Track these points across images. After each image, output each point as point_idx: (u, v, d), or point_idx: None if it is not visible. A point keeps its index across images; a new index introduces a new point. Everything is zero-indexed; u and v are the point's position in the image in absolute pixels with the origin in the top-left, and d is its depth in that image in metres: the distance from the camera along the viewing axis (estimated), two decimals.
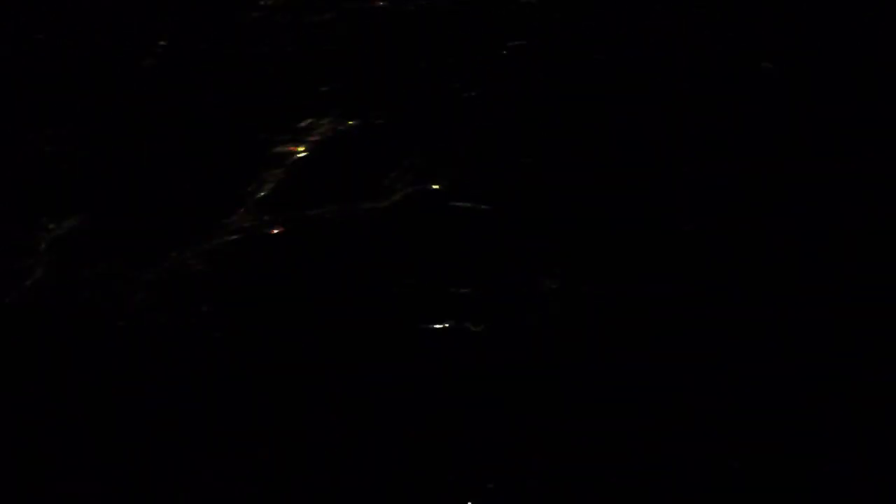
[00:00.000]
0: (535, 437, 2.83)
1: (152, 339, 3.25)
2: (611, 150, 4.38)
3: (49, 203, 4.08)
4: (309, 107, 4.84)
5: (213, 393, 3.03)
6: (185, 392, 3.03)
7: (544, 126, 4.60)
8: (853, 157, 4.25)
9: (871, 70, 5.00)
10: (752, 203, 3.95)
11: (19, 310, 3.46)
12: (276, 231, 3.82)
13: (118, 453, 2.82)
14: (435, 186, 4.11)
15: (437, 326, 3.26)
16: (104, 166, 4.37)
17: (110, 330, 3.33)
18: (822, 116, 4.59)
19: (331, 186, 4.15)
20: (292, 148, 4.45)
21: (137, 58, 5.41)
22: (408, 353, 3.15)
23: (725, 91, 4.88)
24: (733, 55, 5.23)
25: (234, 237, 3.79)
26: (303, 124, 4.66)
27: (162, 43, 5.57)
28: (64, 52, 5.54)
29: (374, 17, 6.00)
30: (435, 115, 4.75)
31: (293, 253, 3.73)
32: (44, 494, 2.71)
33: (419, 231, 3.83)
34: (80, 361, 3.19)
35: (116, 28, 5.80)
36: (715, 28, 5.56)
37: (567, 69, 5.19)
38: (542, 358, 3.12)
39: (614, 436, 2.83)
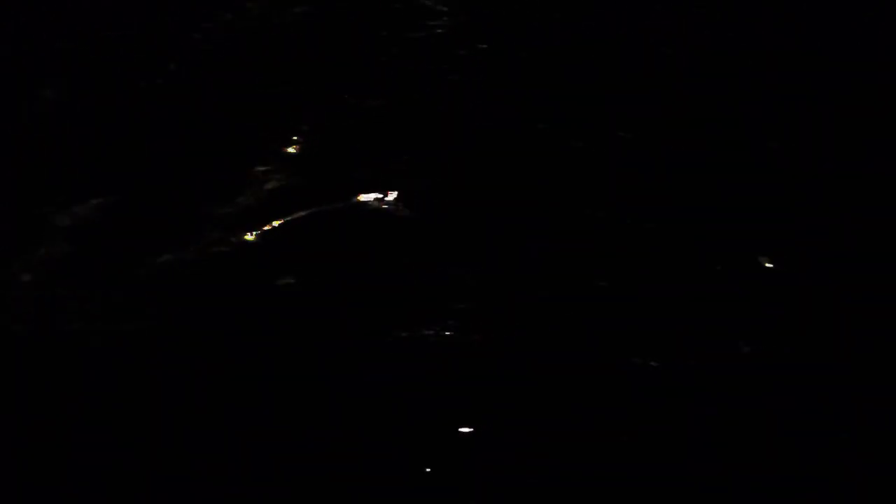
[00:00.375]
0: (526, 438, 2.83)
1: (143, 339, 3.24)
2: (609, 149, 4.38)
3: (47, 199, 4.08)
4: (297, 107, 4.83)
5: (205, 394, 3.03)
6: (179, 394, 3.03)
7: (541, 125, 4.60)
8: (853, 157, 4.25)
9: (872, 70, 5.00)
10: (751, 201, 3.95)
11: (12, 313, 3.47)
12: (261, 233, 3.81)
13: (113, 456, 2.82)
14: (424, 186, 4.11)
15: (429, 330, 3.26)
16: (91, 166, 4.37)
17: (104, 329, 3.33)
18: (823, 116, 4.59)
19: (318, 185, 4.15)
20: (277, 150, 4.44)
21: (128, 58, 5.42)
22: (397, 355, 3.15)
23: (725, 91, 4.89)
24: (733, 55, 5.23)
25: (218, 240, 3.78)
26: (291, 125, 4.65)
27: (155, 43, 5.58)
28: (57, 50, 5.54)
29: (372, 17, 6.00)
30: (429, 116, 4.75)
31: (282, 253, 3.72)
32: (43, 496, 2.71)
33: (405, 230, 3.82)
34: (76, 363, 3.19)
35: (113, 27, 5.80)
36: (715, 28, 5.57)
37: (566, 69, 5.19)
38: (534, 360, 3.12)
39: (609, 436, 2.83)
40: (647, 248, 3.69)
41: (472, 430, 2.86)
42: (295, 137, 4.58)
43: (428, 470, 2.74)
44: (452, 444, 2.84)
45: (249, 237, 3.83)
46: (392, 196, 4.06)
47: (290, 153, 4.47)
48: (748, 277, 3.52)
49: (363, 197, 4.06)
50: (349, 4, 6.17)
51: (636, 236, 3.76)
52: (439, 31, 5.75)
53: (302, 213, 3.96)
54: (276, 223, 3.90)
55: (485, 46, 5.51)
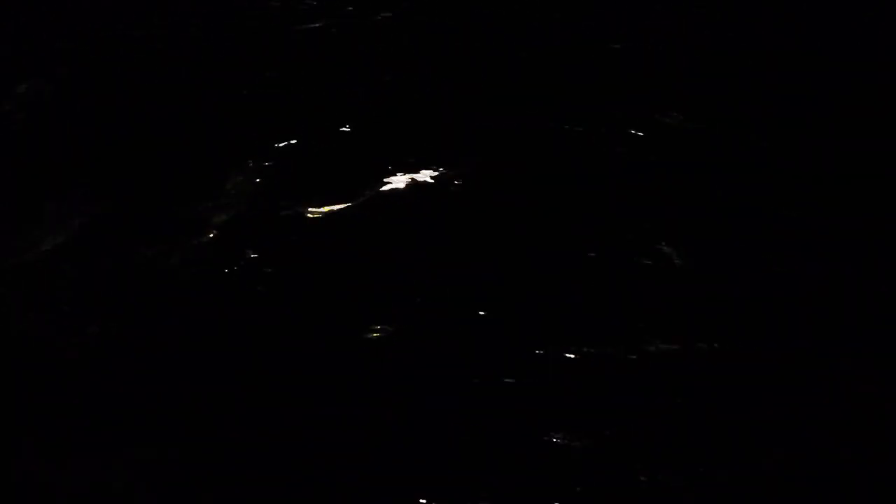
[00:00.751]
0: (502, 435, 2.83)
1: (136, 340, 3.24)
2: (608, 150, 4.37)
3: (43, 198, 4.09)
4: (292, 111, 4.83)
5: (193, 393, 3.02)
6: (169, 395, 3.02)
7: (539, 125, 4.60)
8: (852, 157, 4.24)
9: (872, 70, 4.99)
10: (750, 201, 3.95)
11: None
12: (245, 235, 3.80)
13: (108, 455, 2.82)
14: (422, 187, 4.10)
15: (426, 329, 3.26)
16: (86, 167, 4.37)
17: (97, 330, 3.33)
18: (822, 116, 4.59)
19: (311, 189, 4.15)
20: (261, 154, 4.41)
21: (128, 58, 5.41)
22: (386, 356, 3.14)
23: (725, 91, 4.88)
24: (733, 55, 5.22)
25: (204, 240, 3.76)
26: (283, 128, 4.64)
27: (158, 43, 5.58)
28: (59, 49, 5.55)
29: (376, 22, 6.00)
30: (427, 117, 4.74)
31: (266, 255, 3.71)
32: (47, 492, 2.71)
33: (396, 233, 3.82)
34: (66, 362, 3.19)
35: (113, 26, 5.81)
36: (715, 28, 5.56)
37: (567, 69, 5.18)
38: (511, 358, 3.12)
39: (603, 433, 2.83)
40: (644, 247, 3.68)
41: (469, 430, 2.87)
42: (288, 139, 4.57)
43: (425, 469, 2.74)
44: (451, 444, 2.84)
45: (234, 239, 3.82)
46: (386, 198, 4.06)
47: (282, 156, 4.45)
48: (747, 278, 3.52)
49: (355, 198, 4.06)
50: (347, 8, 6.17)
51: (632, 236, 3.76)
52: (439, 31, 5.74)
53: (288, 214, 3.96)
54: (259, 225, 3.89)
55: (484, 47, 5.50)
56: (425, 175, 4.21)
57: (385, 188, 4.12)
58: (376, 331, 3.29)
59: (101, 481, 2.75)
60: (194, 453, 2.84)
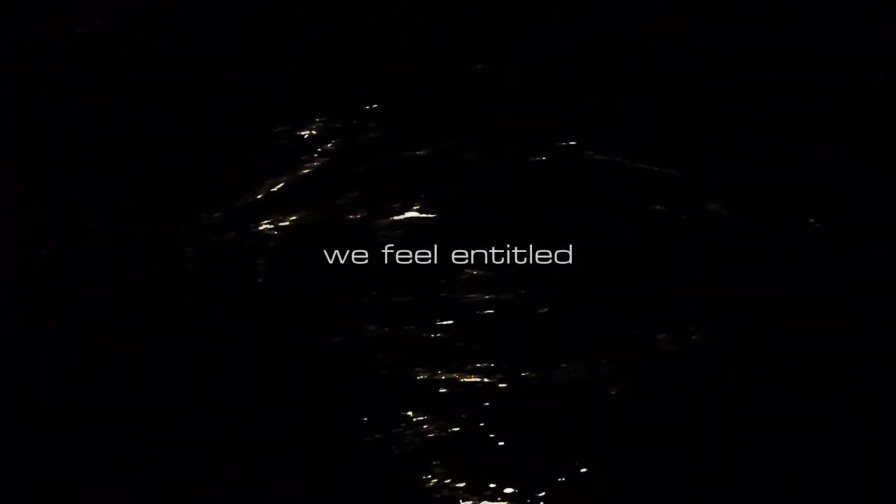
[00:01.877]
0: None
1: (136, 341, 3.25)
2: (610, 148, 4.37)
3: (44, 198, 4.09)
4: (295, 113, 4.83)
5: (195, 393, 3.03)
6: (170, 395, 3.02)
7: (538, 126, 4.60)
8: (853, 157, 4.25)
9: (872, 70, 5.00)
10: (749, 202, 3.95)
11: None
12: (252, 237, 3.80)
13: (110, 453, 2.83)
14: (419, 191, 4.11)
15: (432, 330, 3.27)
16: (87, 167, 4.38)
17: (96, 330, 3.33)
18: (821, 115, 4.59)
19: (310, 187, 4.15)
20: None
21: (128, 58, 5.43)
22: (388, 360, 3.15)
23: (725, 91, 4.89)
24: (733, 55, 5.23)
25: (211, 242, 3.76)
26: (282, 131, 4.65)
27: (155, 43, 5.60)
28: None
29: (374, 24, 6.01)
30: (427, 119, 4.75)
31: (274, 258, 3.71)
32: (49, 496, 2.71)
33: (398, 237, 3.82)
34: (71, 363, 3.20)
35: (113, 26, 5.82)
36: (715, 28, 5.57)
37: (566, 69, 5.19)
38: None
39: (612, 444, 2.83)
40: (642, 247, 3.69)
41: (466, 429, 2.87)
42: (288, 139, 4.58)
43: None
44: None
45: (232, 238, 3.82)
46: (384, 198, 4.06)
47: (281, 157, 4.46)
48: (745, 278, 3.52)
49: (354, 198, 4.06)
50: (347, 8, 6.19)
51: (630, 238, 3.76)
52: (439, 31, 5.75)
53: (286, 215, 3.96)
54: (258, 225, 3.90)
55: (484, 46, 5.51)
56: (425, 175, 4.21)
57: (384, 188, 4.12)
58: (374, 333, 3.29)
59: (100, 482, 2.75)
60: (194, 454, 2.84)
